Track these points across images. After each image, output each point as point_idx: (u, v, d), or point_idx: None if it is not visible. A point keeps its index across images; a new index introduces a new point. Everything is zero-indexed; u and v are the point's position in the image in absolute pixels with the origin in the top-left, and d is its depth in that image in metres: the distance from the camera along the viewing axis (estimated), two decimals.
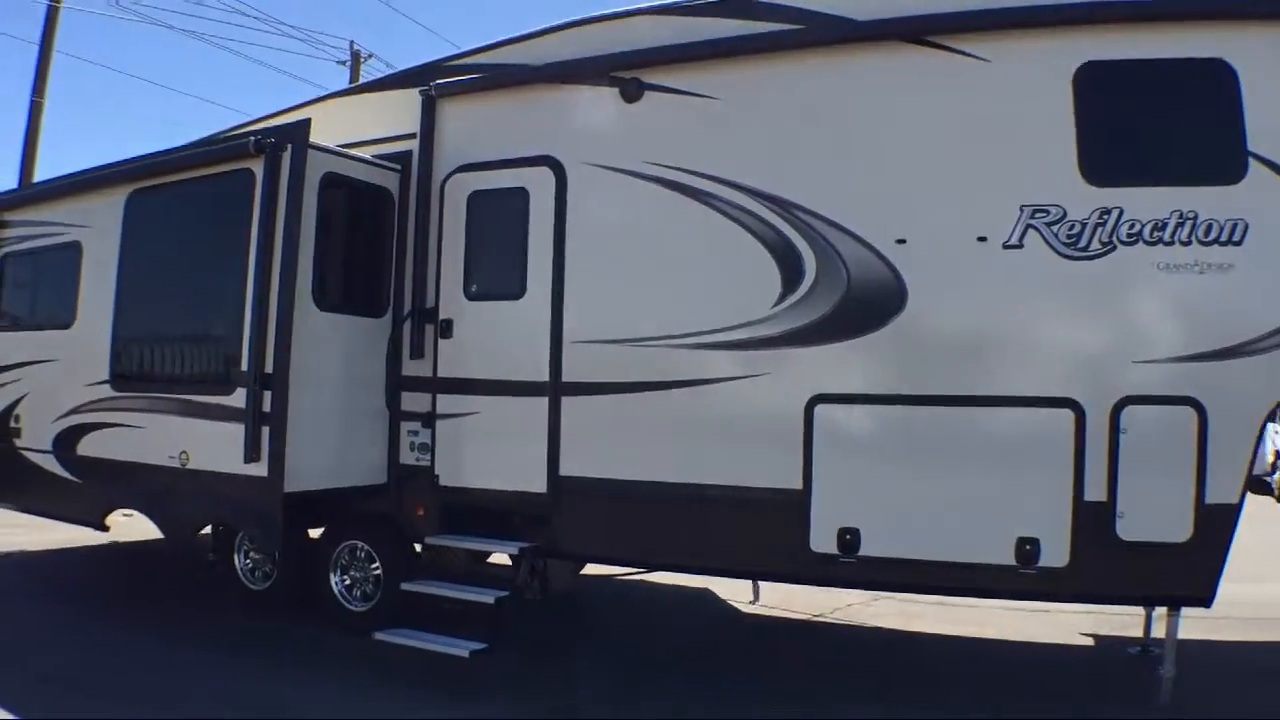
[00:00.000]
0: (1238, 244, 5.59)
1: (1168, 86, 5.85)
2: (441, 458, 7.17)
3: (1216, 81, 5.66)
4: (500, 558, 7.71)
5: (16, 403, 8.93)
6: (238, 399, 6.76)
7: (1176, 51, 5.74)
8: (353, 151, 7.31)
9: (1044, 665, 7.48)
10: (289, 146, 6.68)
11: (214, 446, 6.88)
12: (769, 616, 8.62)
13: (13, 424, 8.85)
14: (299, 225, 6.65)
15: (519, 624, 7.83)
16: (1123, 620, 8.17)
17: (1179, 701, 6.00)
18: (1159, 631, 8.25)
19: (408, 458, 7.27)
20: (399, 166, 7.36)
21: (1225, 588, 9.75)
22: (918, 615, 8.50)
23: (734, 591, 8.99)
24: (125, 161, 7.92)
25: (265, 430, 6.61)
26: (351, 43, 21.60)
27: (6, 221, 9.32)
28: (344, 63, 24.70)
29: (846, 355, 6.17)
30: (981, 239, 5.93)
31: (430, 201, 7.24)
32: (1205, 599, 5.79)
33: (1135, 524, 5.71)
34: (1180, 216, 5.66)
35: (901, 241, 6.08)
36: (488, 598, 6.68)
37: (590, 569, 9.02)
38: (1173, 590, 5.83)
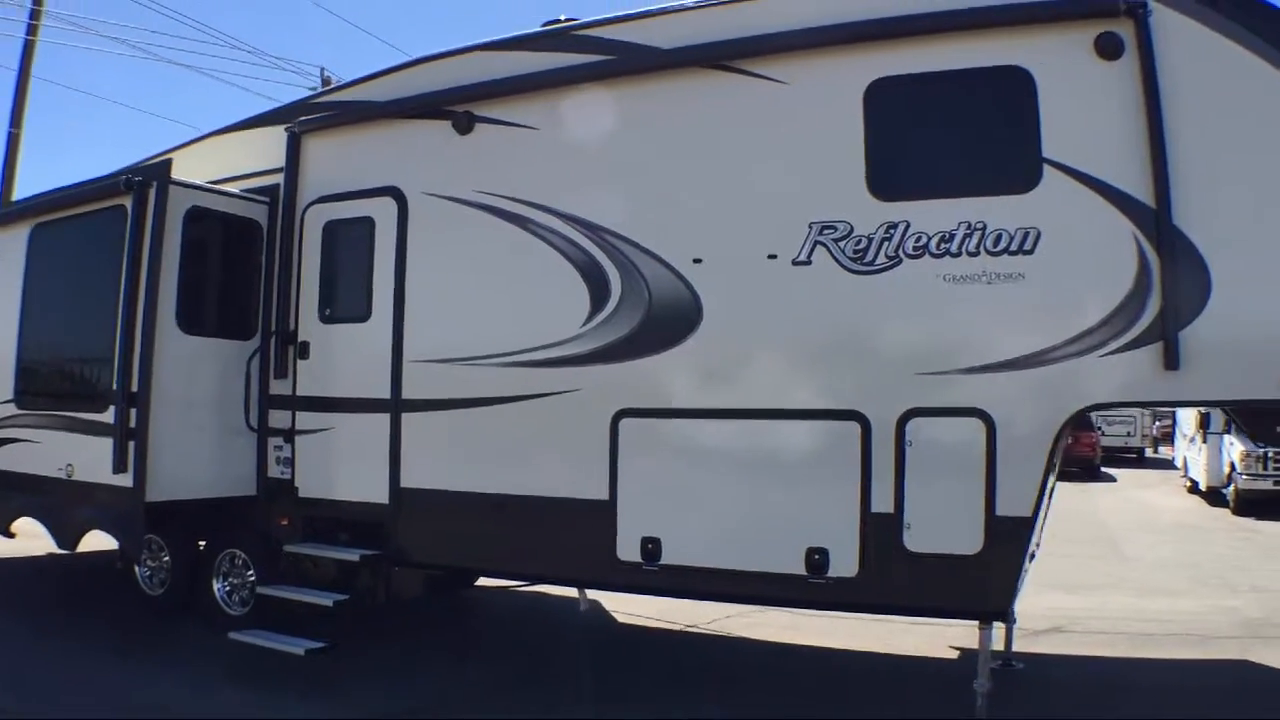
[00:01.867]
0: (1029, 253, 4.89)
1: (962, 97, 5.19)
2: (300, 471, 6.74)
3: (1013, 89, 4.99)
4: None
5: None
6: (109, 416, 6.42)
7: (972, 61, 5.08)
8: (220, 186, 6.95)
9: (885, 676, 6.72)
10: (154, 184, 6.38)
11: (92, 459, 6.56)
12: (638, 626, 7.94)
13: None
14: (161, 255, 6.33)
15: (393, 626, 7.49)
16: (1002, 634, 7.58)
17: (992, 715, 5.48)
18: (1028, 646, 7.74)
19: (274, 471, 6.84)
20: (267, 199, 6.97)
21: (1135, 601, 9.13)
22: (793, 627, 7.78)
23: (620, 604, 8.24)
24: (30, 198, 7.76)
25: (131, 444, 6.29)
26: (322, 69, 21.39)
27: None
28: (314, 88, 24.31)
29: (648, 371, 5.60)
30: (772, 256, 5.34)
31: (293, 231, 6.83)
32: (1001, 612, 5.07)
33: (923, 535, 5.02)
34: (969, 228, 4.98)
35: (698, 261, 5.52)
36: (326, 601, 6.23)
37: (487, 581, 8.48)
38: (965, 603, 5.07)
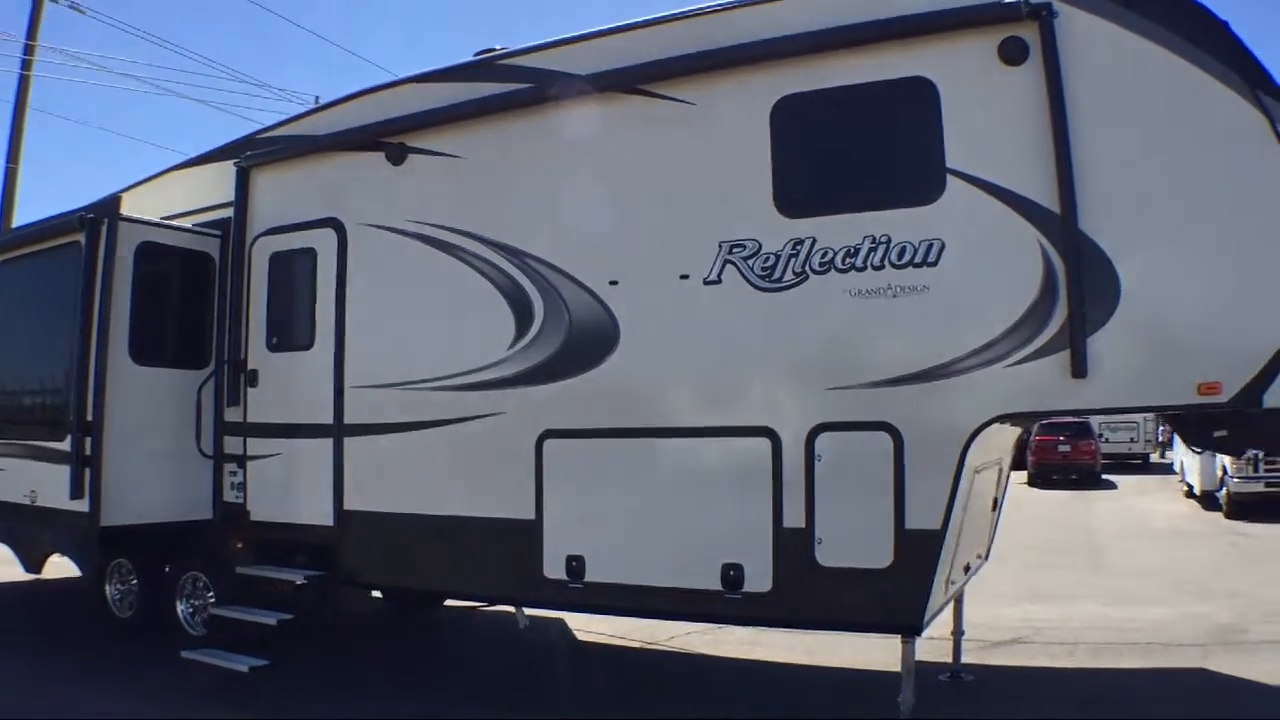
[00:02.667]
0: (933, 265, 4.74)
1: (868, 111, 5.03)
2: (252, 495, 6.71)
3: (918, 100, 4.83)
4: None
5: None
6: (67, 444, 6.48)
7: (877, 75, 4.92)
8: (172, 221, 7.01)
9: (825, 689, 6.53)
10: (104, 221, 6.45)
11: (52, 485, 6.64)
12: (598, 644, 7.80)
13: None
14: (112, 289, 6.40)
15: (361, 644, 7.47)
16: (938, 647, 7.30)
17: None
18: (985, 658, 7.46)
19: (229, 495, 6.81)
20: (219, 233, 7.00)
21: (1105, 610, 8.79)
22: (752, 643, 7.54)
23: (583, 622, 7.99)
24: None
25: (87, 471, 6.34)
26: (316, 98, 21.56)
27: None
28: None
29: (570, 392, 5.52)
30: (684, 276, 5.24)
31: (242, 263, 6.83)
32: (913, 626, 4.86)
33: (834, 550, 4.87)
34: (873, 241, 4.85)
35: (614, 283, 5.44)
36: (270, 620, 6.20)
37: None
38: (877, 616, 4.91)
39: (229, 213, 7.08)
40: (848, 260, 4.98)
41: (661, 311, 5.38)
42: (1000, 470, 6.51)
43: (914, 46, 4.89)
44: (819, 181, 5.20)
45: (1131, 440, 27.44)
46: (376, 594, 8.76)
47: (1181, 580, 10.28)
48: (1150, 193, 4.56)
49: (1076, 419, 21.10)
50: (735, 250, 5.22)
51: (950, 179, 4.80)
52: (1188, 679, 6.69)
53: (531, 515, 5.66)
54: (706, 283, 5.27)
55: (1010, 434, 6.56)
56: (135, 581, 7.43)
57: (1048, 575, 10.91)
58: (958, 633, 6.85)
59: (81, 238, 6.58)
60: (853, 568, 4.91)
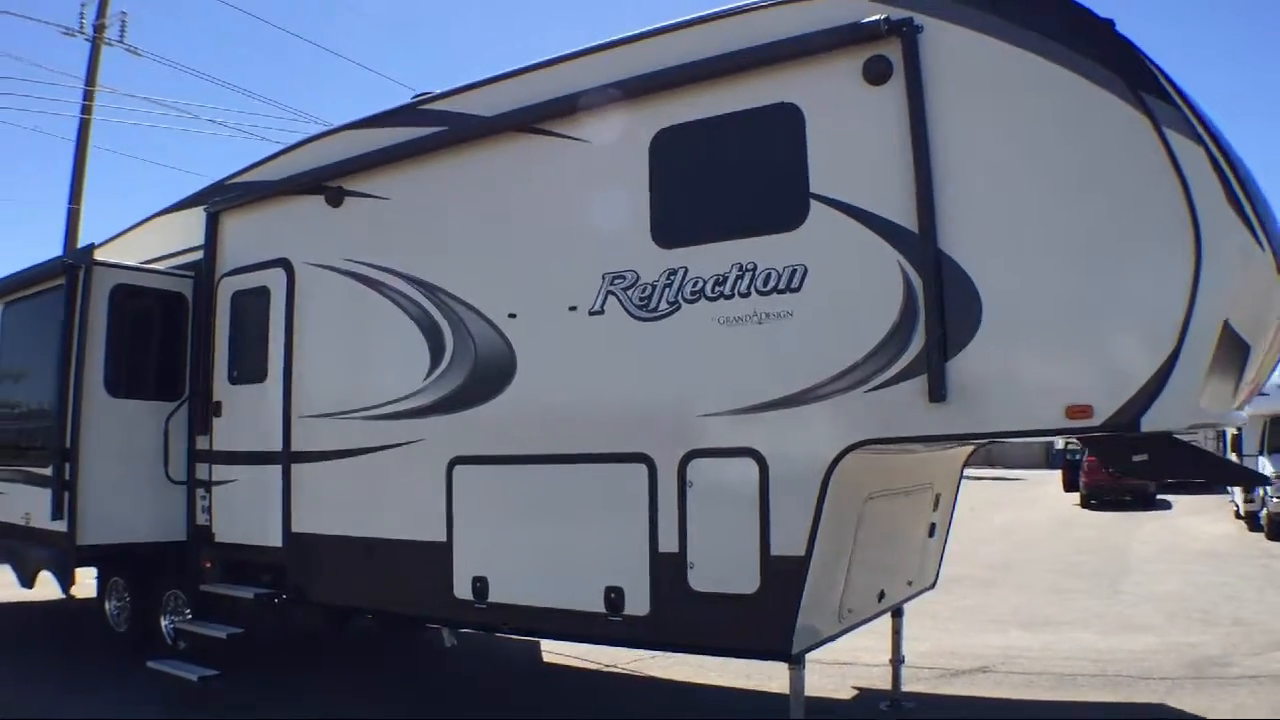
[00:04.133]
0: (796, 291, 4.68)
1: (738, 140, 4.98)
2: (216, 518, 7.06)
3: (784, 126, 4.77)
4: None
5: None
6: (51, 470, 6.96)
7: (747, 103, 4.88)
8: (146, 264, 7.50)
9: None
10: (81, 267, 6.95)
11: (41, 508, 7.07)
12: (559, 665, 7.87)
13: None
14: (88, 329, 6.88)
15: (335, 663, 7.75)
16: (910, 674, 7.10)
17: None
18: (941, 687, 7.17)
19: (200, 518, 7.17)
20: (192, 274, 7.41)
21: (1093, 639, 8.38)
22: (704, 667, 7.57)
23: (550, 643, 8.13)
24: (2, 278, 8.48)
25: (66, 494, 6.80)
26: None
27: None
28: None
29: (475, 420, 5.67)
30: (573, 308, 5.32)
31: (210, 302, 7.22)
32: (782, 652, 4.75)
33: (705, 575, 4.84)
34: (740, 269, 4.83)
35: (513, 316, 5.57)
36: (222, 634, 6.56)
37: None
38: (747, 642, 4.83)
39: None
40: (717, 289, 4.97)
41: (553, 342, 5.48)
42: (935, 496, 6.30)
43: (782, 73, 4.83)
44: (691, 212, 5.18)
45: None
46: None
47: (1190, 607, 9.70)
48: (1019, 208, 4.32)
49: None
50: (616, 281, 5.28)
51: (813, 204, 4.72)
52: (1139, 714, 6.33)
53: (444, 538, 5.81)
54: (591, 314, 5.34)
55: (950, 457, 6.36)
56: (128, 599, 7.89)
57: (1055, 600, 10.46)
58: (896, 661, 6.67)
59: (63, 281, 7.10)
60: (722, 593, 4.87)
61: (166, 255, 7.92)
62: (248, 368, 7.02)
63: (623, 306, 5.25)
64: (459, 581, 5.75)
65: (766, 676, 7.12)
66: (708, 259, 5.00)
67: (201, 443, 7.27)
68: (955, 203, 4.39)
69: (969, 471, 7.17)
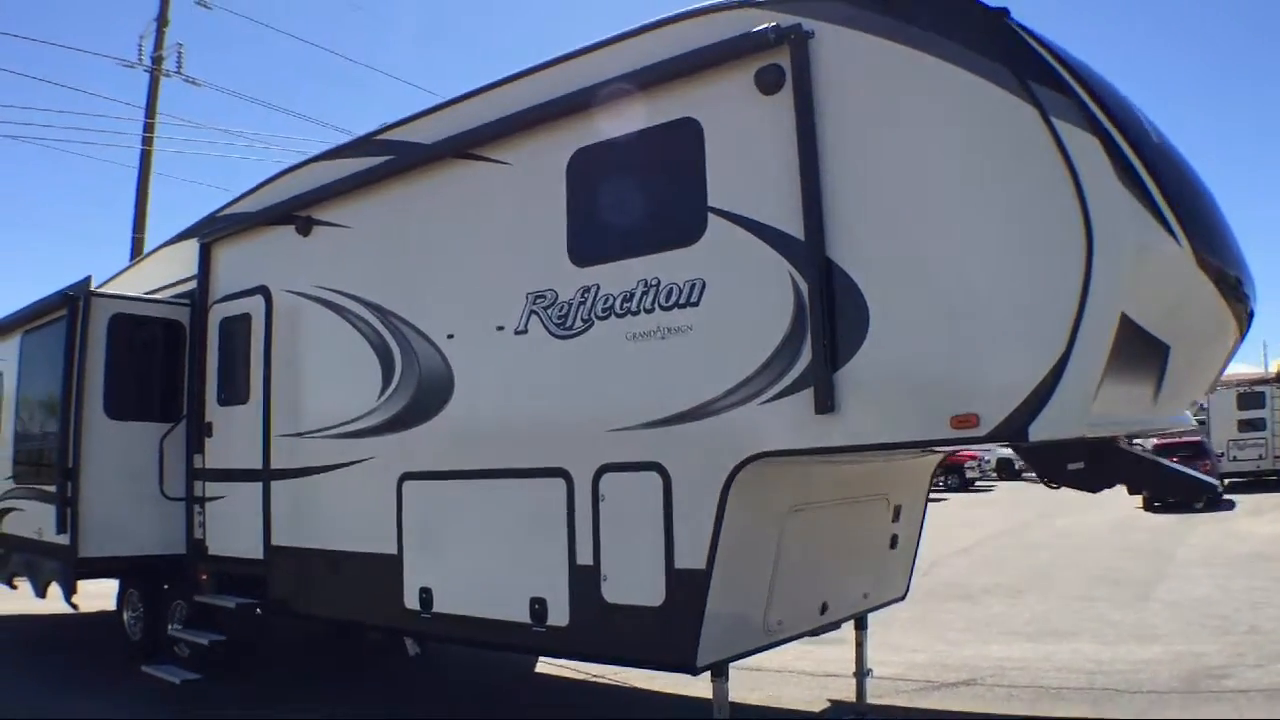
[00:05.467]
0: (695, 305, 4.70)
1: (645, 157, 5.05)
2: (209, 532, 7.44)
3: (685, 141, 4.78)
4: None
5: None
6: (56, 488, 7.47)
7: (653, 119, 4.92)
8: (145, 294, 7.99)
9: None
10: (80, 299, 7.47)
11: (50, 523, 7.56)
12: (548, 675, 7.95)
13: None
14: (88, 356, 7.40)
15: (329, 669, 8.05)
16: (878, 686, 6.98)
17: None
18: (920, 700, 6.99)
19: (197, 533, 7.55)
20: (189, 302, 7.84)
21: (1096, 650, 8.12)
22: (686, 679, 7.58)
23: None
24: (20, 309, 9.10)
25: (69, 510, 7.32)
26: None
27: None
28: None
29: (420, 438, 5.88)
30: (500, 328, 5.48)
31: (203, 328, 7.63)
32: (686, 665, 4.74)
33: (617, 587, 4.92)
34: (646, 285, 4.88)
35: (451, 336, 5.77)
36: (204, 640, 6.98)
37: None
38: (654, 654, 4.88)
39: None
40: (625, 305, 5.04)
41: (484, 361, 5.65)
42: (894, 507, 6.18)
43: (684, 87, 4.85)
44: (604, 230, 5.26)
45: (1260, 457, 24.13)
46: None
47: (1211, 614, 9.23)
48: (907, 213, 4.19)
49: (1191, 439, 18.93)
50: (538, 301, 5.40)
51: (711, 217, 4.73)
52: None
53: (395, 550, 6.03)
54: (517, 333, 5.48)
55: (911, 468, 6.24)
56: (143, 609, 8.38)
57: (1077, 609, 10.07)
58: (860, 674, 6.58)
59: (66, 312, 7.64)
60: (632, 604, 4.92)
61: (173, 283, 8.40)
62: (234, 390, 7.40)
63: (544, 325, 5.37)
64: (408, 592, 5.95)
65: (750, 689, 7.09)
66: (617, 276, 5.07)
67: (197, 461, 7.69)
68: (845, 209, 4.32)
69: None
